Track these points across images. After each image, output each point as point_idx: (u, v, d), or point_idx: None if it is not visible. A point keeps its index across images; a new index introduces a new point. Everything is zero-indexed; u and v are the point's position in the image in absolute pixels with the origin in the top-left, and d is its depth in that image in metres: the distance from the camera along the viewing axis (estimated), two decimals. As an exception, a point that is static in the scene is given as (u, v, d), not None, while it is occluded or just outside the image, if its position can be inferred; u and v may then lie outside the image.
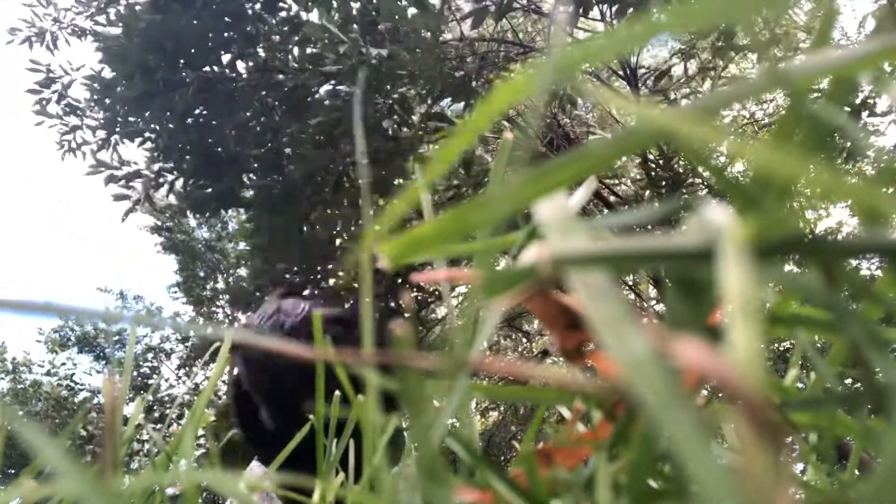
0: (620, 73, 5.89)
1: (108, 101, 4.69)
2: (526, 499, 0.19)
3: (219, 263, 11.66)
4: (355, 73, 3.92)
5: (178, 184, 5.01)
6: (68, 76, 5.02)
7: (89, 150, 5.03)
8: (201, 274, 11.77)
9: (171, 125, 4.60)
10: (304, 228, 4.98)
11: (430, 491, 0.15)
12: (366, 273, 0.22)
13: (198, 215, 6.00)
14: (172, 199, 5.09)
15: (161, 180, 4.97)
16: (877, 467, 0.10)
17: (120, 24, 4.41)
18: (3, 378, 13.08)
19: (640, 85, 5.81)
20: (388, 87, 4.09)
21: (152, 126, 4.69)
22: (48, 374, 12.97)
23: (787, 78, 0.13)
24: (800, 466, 0.29)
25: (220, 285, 11.61)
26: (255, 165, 4.89)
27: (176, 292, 12.29)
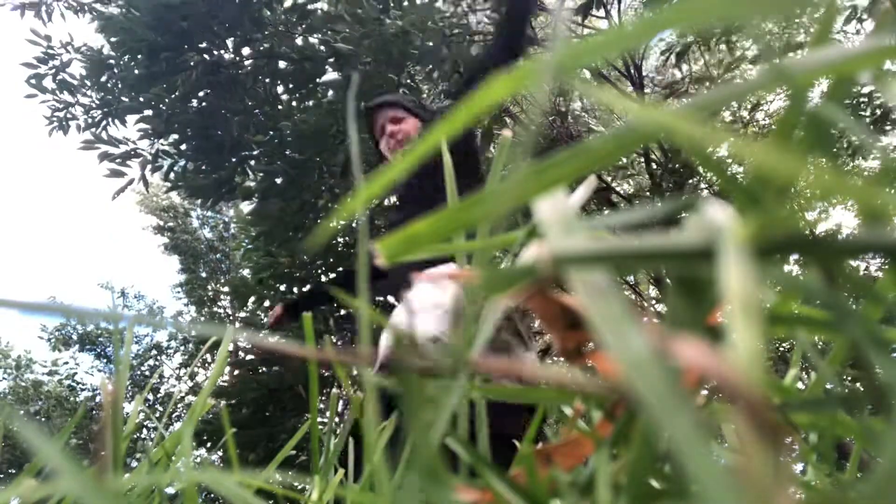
0: (625, 73, 5.89)
1: (106, 81, 4.65)
2: (526, 499, 0.19)
3: (220, 264, 11.68)
4: (366, 45, 3.91)
5: (177, 167, 4.97)
6: (68, 54, 4.95)
7: (76, 125, 4.97)
8: (203, 275, 11.78)
9: (173, 107, 4.58)
10: (308, 218, 4.96)
11: (430, 491, 0.15)
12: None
13: (197, 201, 5.97)
14: (172, 178, 5.02)
15: (159, 163, 4.93)
16: (877, 467, 0.10)
17: (119, 3, 4.38)
18: (6, 378, 13.10)
19: (644, 85, 5.81)
20: (397, 67, 4.10)
21: (153, 105, 4.65)
22: (50, 373, 12.99)
23: (787, 76, 0.13)
24: (800, 466, 0.29)
25: (222, 283, 11.64)
26: (258, 153, 4.88)
27: (179, 293, 12.32)
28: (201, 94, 4.68)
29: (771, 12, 0.12)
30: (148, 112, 4.70)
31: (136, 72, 4.44)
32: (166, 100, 4.52)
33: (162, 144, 4.90)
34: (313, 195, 4.84)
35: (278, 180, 4.83)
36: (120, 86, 4.66)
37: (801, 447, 0.26)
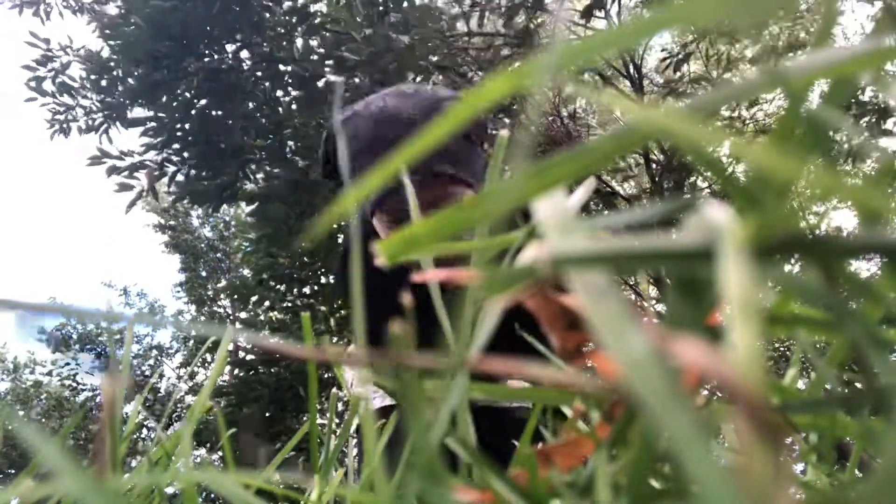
0: (624, 73, 5.89)
1: (105, 83, 4.66)
2: (526, 499, 0.19)
3: (220, 263, 11.69)
4: (375, 62, 3.92)
5: (180, 175, 4.98)
6: (67, 56, 4.94)
7: (77, 127, 4.98)
8: (203, 274, 11.79)
9: (175, 115, 4.58)
10: (311, 222, 4.95)
11: (429, 491, 0.15)
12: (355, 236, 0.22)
13: (199, 207, 6.00)
14: (175, 190, 5.03)
15: (164, 170, 4.93)
16: (877, 467, 0.10)
17: (118, 3, 4.39)
18: (4, 379, 13.09)
19: (644, 85, 5.82)
20: (407, 77, 4.11)
21: (155, 114, 4.66)
22: (50, 374, 12.99)
23: (786, 78, 0.13)
24: (800, 466, 0.29)
25: (223, 284, 11.64)
26: (260, 156, 4.88)
27: (179, 292, 12.34)
28: (202, 100, 4.68)
29: (769, 13, 0.12)
30: (150, 122, 4.71)
31: (138, 79, 4.45)
32: (168, 105, 4.53)
33: (165, 153, 4.91)
34: (318, 202, 4.83)
35: (283, 180, 4.83)
36: (120, 88, 4.67)
37: (801, 447, 0.26)
